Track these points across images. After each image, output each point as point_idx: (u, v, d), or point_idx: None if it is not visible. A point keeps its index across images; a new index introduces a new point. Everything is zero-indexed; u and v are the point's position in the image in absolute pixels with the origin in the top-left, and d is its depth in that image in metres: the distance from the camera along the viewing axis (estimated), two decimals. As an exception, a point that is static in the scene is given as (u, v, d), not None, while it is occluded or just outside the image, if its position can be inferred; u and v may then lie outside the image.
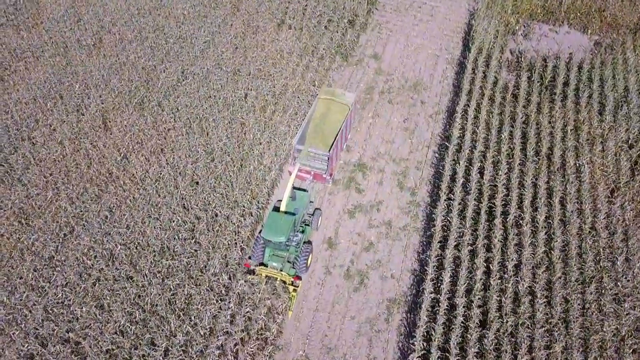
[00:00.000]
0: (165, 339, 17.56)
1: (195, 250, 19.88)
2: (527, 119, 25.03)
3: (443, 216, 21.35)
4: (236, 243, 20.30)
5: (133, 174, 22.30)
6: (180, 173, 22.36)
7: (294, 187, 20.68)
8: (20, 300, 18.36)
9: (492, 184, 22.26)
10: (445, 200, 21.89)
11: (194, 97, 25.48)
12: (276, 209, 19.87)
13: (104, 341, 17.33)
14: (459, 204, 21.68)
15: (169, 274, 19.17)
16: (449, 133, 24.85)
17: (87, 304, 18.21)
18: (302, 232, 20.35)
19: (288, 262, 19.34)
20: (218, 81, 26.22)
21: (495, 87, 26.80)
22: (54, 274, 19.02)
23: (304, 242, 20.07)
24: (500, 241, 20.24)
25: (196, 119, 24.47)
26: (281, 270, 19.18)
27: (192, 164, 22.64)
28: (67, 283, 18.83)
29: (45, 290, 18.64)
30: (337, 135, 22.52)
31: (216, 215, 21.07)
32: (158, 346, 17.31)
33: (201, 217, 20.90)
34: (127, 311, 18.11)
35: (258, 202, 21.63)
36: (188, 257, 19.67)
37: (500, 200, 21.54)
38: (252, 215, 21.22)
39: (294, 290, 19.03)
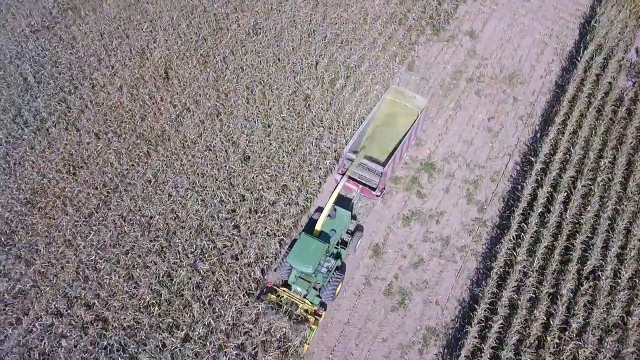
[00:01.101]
0: (186, 326, 16.94)
1: (233, 235, 18.76)
2: (639, 145, 21.08)
3: (509, 247, 18.76)
4: (275, 234, 18.95)
5: (185, 136, 21.14)
6: (232, 144, 20.92)
7: (339, 195, 18.42)
8: (56, 254, 18.25)
9: (576, 219, 19.15)
10: (516, 228, 19.17)
11: (261, 57, 23.45)
12: (312, 221, 17.97)
13: (127, 316, 16.97)
14: (532, 236, 18.92)
15: (202, 256, 18.29)
16: (537, 145, 21.49)
17: (117, 273, 17.81)
18: (336, 256, 18.33)
19: (314, 288, 17.48)
20: (290, 42, 23.89)
21: (608, 96, 22.65)
22: (90, 234, 18.68)
23: (336, 268, 17.94)
24: (570, 293, 17.56)
25: (259, 84, 22.59)
26: (305, 297, 17.41)
27: (246, 136, 21.07)
28: (101, 246, 18.46)
29: (80, 249, 18.40)
30: (397, 146, 19.84)
31: (261, 197, 19.67)
32: (177, 332, 16.75)
33: (246, 198, 19.57)
34: (154, 289, 17.57)
35: (307, 192, 19.94)
36: (224, 241, 18.61)
37: (581, 243, 18.54)
38: (297, 205, 19.64)
39: (315, 322, 17.13)
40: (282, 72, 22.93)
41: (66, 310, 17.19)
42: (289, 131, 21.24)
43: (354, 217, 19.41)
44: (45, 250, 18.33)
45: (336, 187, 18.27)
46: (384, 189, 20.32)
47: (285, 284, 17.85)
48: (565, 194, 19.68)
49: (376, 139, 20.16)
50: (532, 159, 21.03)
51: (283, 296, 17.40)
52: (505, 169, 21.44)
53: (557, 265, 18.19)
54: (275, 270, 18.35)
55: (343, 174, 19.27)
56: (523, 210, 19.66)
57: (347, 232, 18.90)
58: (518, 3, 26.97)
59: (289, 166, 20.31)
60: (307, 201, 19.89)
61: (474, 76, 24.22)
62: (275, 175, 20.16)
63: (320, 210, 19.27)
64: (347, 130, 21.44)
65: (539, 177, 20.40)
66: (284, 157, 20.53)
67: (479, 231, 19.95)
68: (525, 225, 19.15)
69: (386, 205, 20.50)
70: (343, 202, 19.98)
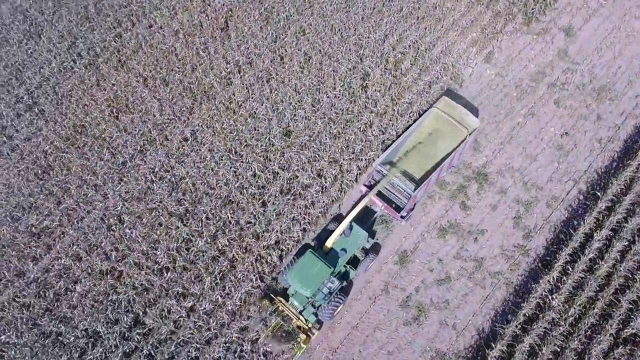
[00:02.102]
0: (194, 298, 16.89)
1: (258, 213, 18.14)
2: None
3: (547, 288, 17.15)
4: (300, 222, 18.17)
5: (230, 98, 20.26)
6: (277, 114, 19.85)
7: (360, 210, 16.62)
8: (85, 198, 18.43)
9: (630, 274, 17.11)
10: (560, 268, 17.42)
11: (327, 21, 21.70)
12: (325, 233, 16.71)
13: (140, 276, 17.07)
14: (575, 281, 17.17)
15: (223, 230, 17.89)
16: (609, 178, 19.07)
17: (138, 229, 17.79)
18: (343, 276, 17.20)
19: (312, 305, 16.50)
20: (360, 10, 21.90)
21: None
22: (120, 183, 18.64)
23: (340, 289, 16.77)
24: (601, 354, 15.97)
25: (318, 53, 21.04)
26: (300, 313, 16.49)
27: (293, 109, 19.90)
28: (129, 198, 18.42)
29: (107, 197, 18.46)
30: (434, 168, 17.85)
31: (295, 178, 18.76)
32: (184, 302, 16.74)
33: (278, 176, 18.73)
34: (170, 253, 17.48)
35: (343, 182, 18.82)
36: (248, 217, 18.06)
37: (629, 302, 16.64)
38: (330, 195, 18.63)
39: (305, 341, 16.23)
40: (345, 44, 21.21)
41: (85, 256, 17.50)
42: (337, 111, 19.86)
43: (371, 236, 17.93)
44: (76, 192, 18.52)
45: (359, 201, 16.76)
46: (412, 210, 18.64)
47: (285, 293, 17.08)
48: (627, 242, 17.50)
49: (413, 156, 18.08)
50: (599, 193, 18.72)
51: (278, 307, 16.61)
52: (566, 197, 19.29)
53: (595, 320, 16.49)
54: (279, 273, 17.47)
55: (370, 187, 17.82)
56: (573, 250, 17.76)
57: (360, 251, 17.59)
58: (633, 2, 23.28)
59: (329, 150, 19.13)
60: (341, 192, 18.82)
61: (557, 82, 21.51)
62: (314, 157, 19.08)
63: (337, 220, 18.06)
64: (401, 122, 19.79)
65: (601, 216, 18.22)
66: (326, 139, 19.31)
67: (519, 260, 18.33)
68: (570, 268, 17.34)
69: (424, 211, 19.13)
70: (365, 216, 18.38)
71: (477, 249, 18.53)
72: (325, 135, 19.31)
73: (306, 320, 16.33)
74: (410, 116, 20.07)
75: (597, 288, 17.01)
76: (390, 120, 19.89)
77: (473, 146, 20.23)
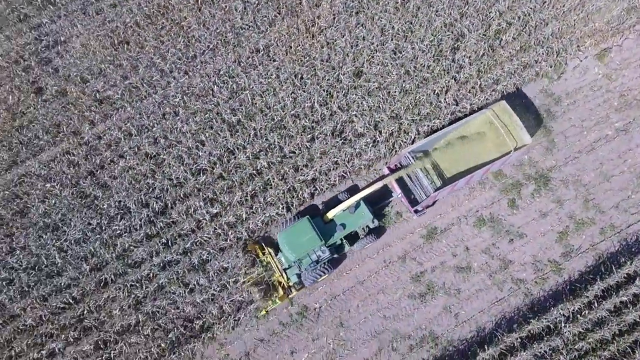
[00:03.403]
0: (221, 208, 17.47)
1: (304, 146, 17.97)
2: None
3: (563, 315, 16.43)
4: (341, 167, 17.86)
5: (314, 21, 19.41)
6: (355, 50, 18.89)
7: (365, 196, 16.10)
8: (150, 79, 18.88)
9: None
10: (585, 302, 16.54)
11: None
12: (334, 201, 16.22)
13: (179, 170, 17.69)
14: (594, 322, 16.31)
15: (266, 152, 17.94)
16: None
17: (190, 126, 18.17)
18: (337, 249, 16.90)
19: (298, 267, 16.34)
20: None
21: None
22: (186, 75, 18.87)
23: (328, 261, 16.55)
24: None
25: (412, -6, 19.44)
26: (285, 270, 16.50)
27: (371, 50, 18.85)
28: (189, 92, 18.63)
29: (170, 85, 18.80)
30: (469, 171, 16.59)
31: (350, 122, 18.21)
32: (210, 209, 17.38)
33: (335, 116, 18.22)
34: (212, 159, 17.87)
35: (395, 143, 18.12)
36: (294, 147, 17.94)
37: (644, 358, 15.73)
38: (379, 151, 18.02)
39: (282, 297, 16.35)
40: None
41: (136, 135, 18.27)
42: (417, 66, 18.69)
43: (378, 218, 17.28)
44: (143, 71, 18.94)
45: (376, 181, 16.05)
46: (429, 207, 17.72)
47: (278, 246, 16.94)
48: (668, 299, 16.20)
49: (450, 152, 16.90)
50: (663, 238, 17.14)
51: (265, 258, 16.75)
52: (625, 230, 17.81)
53: (600, 362, 15.81)
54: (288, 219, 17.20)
55: (393, 171, 16.99)
56: (608, 286, 16.69)
57: (362, 228, 17.08)
58: None
59: (395, 104, 18.27)
60: (390, 151, 18.18)
61: (671, 103, 19.05)
62: (377, 107, 18.34)
63: (349, 192, 17.50)
64: (478, 97, 18.43)
65: (653, 263, 16.80)
66: (396, 91, 18.40)
67: (547, 275, 17.51)
68: (597, 303, 16.39)
69: (471, 196, 18.32)
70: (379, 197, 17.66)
71: (509, 251, 17.78)
72: (396, 88, 18.37)
73: (288, 278, 16.48)
74: (491, 94, 18.62)
75: (617, 332, 16.10)
76: (469, 92, 18.55)
77: (546, 145, 18.73)
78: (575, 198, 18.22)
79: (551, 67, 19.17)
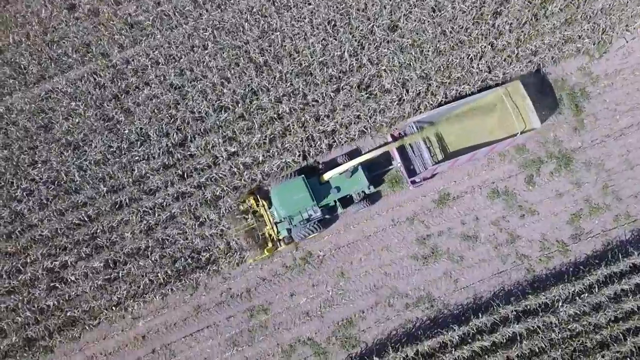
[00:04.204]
0: (238, 146, 17.63)
1: (327, 96, 17.80)
2: None
3: (562, 295, 16.58)
4: (361, 122, 17.74)
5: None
6: (392, 4, 18.29)
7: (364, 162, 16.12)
8: (183, 8, 18.61)
9: (653, 323, 16.15)
10: (586, 285, 16.63)
11: None
12: (332, 163, 16.31)
13: (201, 103, 17.77)
14: (591, 306, 16.45)
15: (289, 97, 17.83)
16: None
17: (217, 61, 18.05)
18: (329, 209, 16.95)
19: (289, 222, 16.44)
20: None
21: None
22: (218, 9, 18.55)
23: (319, 220, 16.65)
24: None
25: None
26: (276, 224, 16.64)
27: (409, 5, 18.22)
28: (220, 27, 18.38)
29: (202, 17, 18.54)
30: (472, 148, 16.31)
31: (378, 77, 17.87)
32: (229, 145, 17.53)
33: (363, 68, 17.89)
34: (235, 97, 17.86)
35: (421, 103, 17.83)
36: (317, 97, 17.77)
37: (633, 345, 15.93)
38: (404, 110, 17.81)
39: (270, 250, 16.66)
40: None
41: (163, 64, 18.24)
42: (455, 27, 18.08)
43: (374, 185, 17.24)
44: (176, 0, 18.64)
45: (377, 148, 16.03)
46: (427, 179, 17.56)
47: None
48: (670, 294, 16.21)
49: (457, 126, 16.61)
50: (676, 234, 16.93)
51: (259, 210, 16.93)
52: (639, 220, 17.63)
53: (590, 344, 16.06)
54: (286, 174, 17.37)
55: (395, 139, 16.80)
56: (612, 273, 16.71)
57: (356, 193, 17.08)
58: None
59: (426, 63, 17.83)
60: (415, 111, 17.90)
61: None
62: (407, 64, 17.94)
63: (349, 155, 17.37)
64: (512, 68, 17.87)
65: (661, 257, 16.69)
66: (429, 51, 17.93)
67: (553, 255, 17.57)
68: (597, 288, 16.48)
69: (488, 167, 18.16)
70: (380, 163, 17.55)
71: (518, 226, 17.79)
72: (430, 47, 17.89)
73: (278, 232, 16.72)
74: (527, 65, 18.05)
75: (613, 318, 16.26)
76: (505, 60, 17.99)
77: (574, 125, 18.30)
78: (594, 182, 17.96)
79: (594, 44, 18.41)
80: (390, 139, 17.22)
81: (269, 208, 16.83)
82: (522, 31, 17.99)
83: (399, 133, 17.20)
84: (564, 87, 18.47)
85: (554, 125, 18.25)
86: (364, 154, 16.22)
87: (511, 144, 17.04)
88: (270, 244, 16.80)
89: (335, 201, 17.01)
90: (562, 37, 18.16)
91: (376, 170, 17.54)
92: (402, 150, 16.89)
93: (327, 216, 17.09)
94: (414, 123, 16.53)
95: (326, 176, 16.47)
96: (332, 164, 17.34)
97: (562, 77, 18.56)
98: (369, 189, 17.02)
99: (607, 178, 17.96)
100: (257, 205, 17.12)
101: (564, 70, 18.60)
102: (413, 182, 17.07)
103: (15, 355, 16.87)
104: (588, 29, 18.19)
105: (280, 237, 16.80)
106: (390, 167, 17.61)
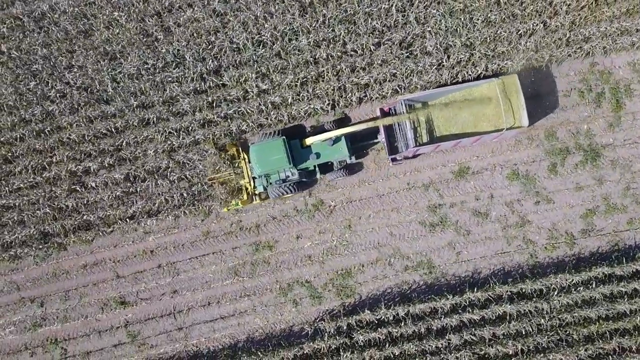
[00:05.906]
0: (270, 84, 17.64)
1: (368, 48, 17.52)
2: None
3: (558, 284, 16.85)
4: (396, 81, 17.55)
5: None
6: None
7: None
8: None
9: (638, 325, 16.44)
10: (584, 278, 16.84)
11: None
12: (318, 127, 16.45)
13: (241, 35, 17.62)
14: (585, 300, 16.71)
15: (328, 43, 17.58)
16: None
17: (216, 20, 17.65)
18: (308, 173, 17.11)
19: (266, 179, 16.71)
20: None
21: None
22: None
23: (296, 183, 16.81)
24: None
25: None
26: (254, 178, 16.88)
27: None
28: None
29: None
30: (458, 136, 16.27)
31: (423, 38, 17.48)
32: (261, 82, 17.55)
33: (410, 26, 17.45)
34: (274, 34, 17.67)
35: (460, 71, 17.50)
36: (356, 47, 17.47)
37: (617, 345, 16.32)
38: (440, 75, 17.51)
39: (244, 202, 16.93)
40: None
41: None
42: None
43: (356, 156, 17.29)
44: None
45: (364, 121, 16.05)
46: (408, 159, 17.52)
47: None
48: (666, 304, 16.39)
49: (448, 111, 16.47)
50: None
51: (240, 162, 17.13)
52: (654, 227, 17.54)
53: (576, 337, 16.49)
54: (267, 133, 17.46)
55: (385, 114, 16.77)
56: (611, 274, 16.87)
57: (337, 161, 17.21)
58: None
59: (472, 32, 17.32)
60: (452, 79, 17.57)
61: None
62: (454, 30, 17.42)
63: (336, 124, 17.29)
64: (560, 52, 17.32)
65: (666, 267, 16.75)
66: (478, 19, 17.38)
67: (559, 245, 17.74)
68: (595, 285, 16.70)
69: (514, 149, 18.04)
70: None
71: (531, 211, 17.87)
72: (480, 15, 17.35)
73: (255, 186, 17.02)
74: (575, 51, 17.50)
75: (604, 316, 16.58)
76: (554, 42, 17.42)
77: (611, 121, 17.93)
78: (617, 182, 17.79)
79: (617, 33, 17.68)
80: (379, 114, 17.15)
81: (249, 162, 17.06)
82: (579, 14, 17.30)
83: (389, 109, 17.12)
84: (608, 80, 17.94)
85: (589, 118, 17.89)
86: (350, 124, 16.36)
87: (497, 138, 16.90)
88: (245, 196, 17.16)
89: (315, 166, 17.21)
90: (619, 28, 17.45)
91: (363, 141, 17.61)
92: (389, 126, 16.91)
93: (304, 179, 17.33)
94: (404, 101, 16.41)
95: (308, 141, 16.69)
96: (319, 130, 17.35)
97: (609, 70, 17.99)
98: (350, 159, 17.17)
99: (631, 180, 17.77)
100: (239, 157, 17.32)
101: (613, 62, 18.01)
102: (393, 160, 17.21)
103: (31, 246, 17.87)
104: (616, 8, 17.38)
105: (257, 192, 17.13)
106: (377, 141, 17.61)
